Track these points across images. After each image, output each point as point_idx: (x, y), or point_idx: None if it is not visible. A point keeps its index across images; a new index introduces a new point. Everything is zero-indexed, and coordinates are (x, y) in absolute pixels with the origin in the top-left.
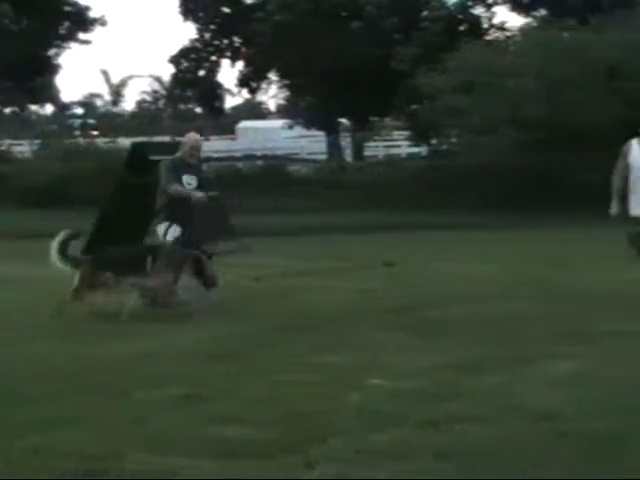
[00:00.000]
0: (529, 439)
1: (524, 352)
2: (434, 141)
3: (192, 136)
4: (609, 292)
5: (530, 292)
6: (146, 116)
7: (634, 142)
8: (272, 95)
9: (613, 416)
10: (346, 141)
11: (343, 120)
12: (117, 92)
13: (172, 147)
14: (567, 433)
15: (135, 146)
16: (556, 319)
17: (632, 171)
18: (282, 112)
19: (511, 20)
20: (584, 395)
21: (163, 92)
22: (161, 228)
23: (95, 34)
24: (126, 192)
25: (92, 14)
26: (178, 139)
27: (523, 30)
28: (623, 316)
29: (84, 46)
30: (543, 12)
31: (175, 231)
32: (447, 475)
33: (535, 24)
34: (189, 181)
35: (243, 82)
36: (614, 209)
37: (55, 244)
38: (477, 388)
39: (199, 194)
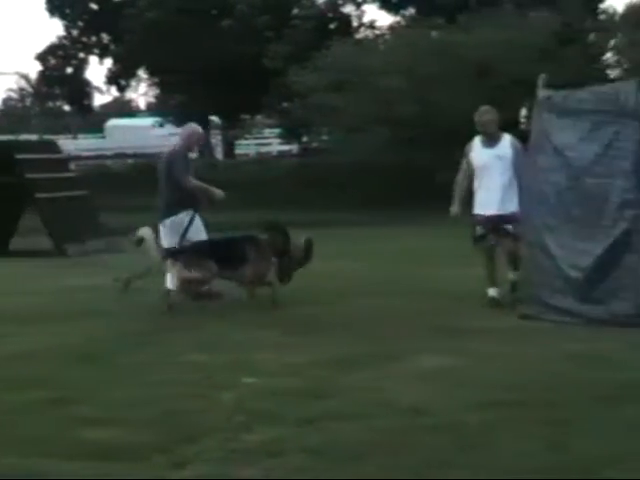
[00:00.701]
0: (401, 434)
1: (395, 348)
2: (305, 139)
3: (197, 127)
4: (475, 289)
5: (401, 288)
6: (14, 114)
7: (476, 141)
8: (142, 93)
9: (483, 409)
10: (217, 139)
11: (214, 118)
12: None
13: (39, 145)
14: (438, 427)
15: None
16: (425, 315)
17: (475, 170)
18: (152, 110)
19: (381, 19)
20: (454, 390)
21: (30, 90)
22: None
23: None
24: None
25: None
26: (47, 137)
27: (392, 29)
28: (489, 312)
29: None
30: (412, 11)
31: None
32: (319, 473)
33: (404, 23)
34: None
35: (112, 79)
36: (454, 209)
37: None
38: (350, 385)
39: (220, 192)
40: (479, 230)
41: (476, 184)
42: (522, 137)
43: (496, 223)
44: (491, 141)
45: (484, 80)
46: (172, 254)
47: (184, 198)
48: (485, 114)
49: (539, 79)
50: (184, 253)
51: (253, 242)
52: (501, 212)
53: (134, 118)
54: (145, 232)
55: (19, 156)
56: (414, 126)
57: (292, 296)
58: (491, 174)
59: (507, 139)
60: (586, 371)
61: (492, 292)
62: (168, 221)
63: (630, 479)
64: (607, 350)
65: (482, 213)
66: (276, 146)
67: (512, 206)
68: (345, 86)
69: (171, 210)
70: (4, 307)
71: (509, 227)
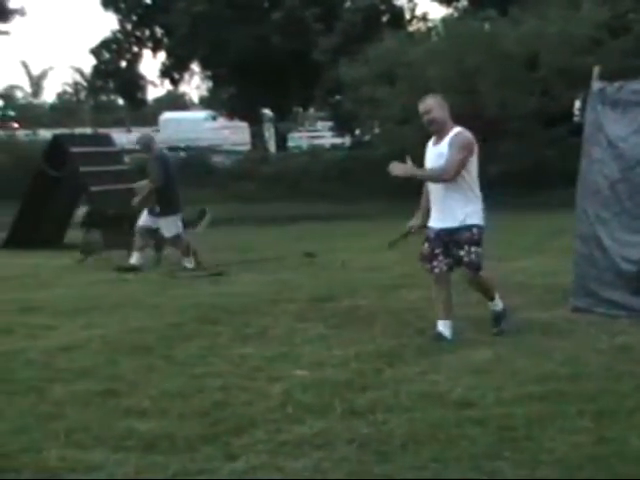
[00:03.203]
0: (448, 426)
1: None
2: (357, 132)
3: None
4: (525, 280)
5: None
6: (68, 108)
7: (430, 143)
8: (195, 86)
9: (530, 402)
10: (269, 132)
11: (266, 111)
12: (37, 84)
13: (93, 139)
14: (485, 419)
15: (55, 138)
16: (475, 307)
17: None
18: (205, 103)
19: (433, 11)
20: (502, 382)
21: (84, 83)
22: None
23: (14, 24)
24: (45, 184)
25: (11, 4)
26: (101, 130)
27: (444, 21)
28: (540, 304)
29: (3, 37)
30: (464, 3)
31: None
32: (367, 464)
33: (456, 15)
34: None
35: (165, 73)
36: (412, 221)
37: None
38: (397, 377)
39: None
40: (425, 248)
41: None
42: (577, 129)
43: (446, 241)
44: (438, 138)
45: (532, 72)
46: None
47: None
48: (422, 105)
49: (593, 71)
50: None
51: None
52: (444, 225)
53: (187, 111)
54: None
55: (73, 149)
56: (459, 117)
57: (339, 289)
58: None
59: (449, 135)
60: (636, 364)
61: (440, 326)
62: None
63: None
64: None
65: (431, 226)
66: (329, 139)
67: (452, 220)
68: (394, 78)
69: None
70: (50, 299)
71: (460, 252)
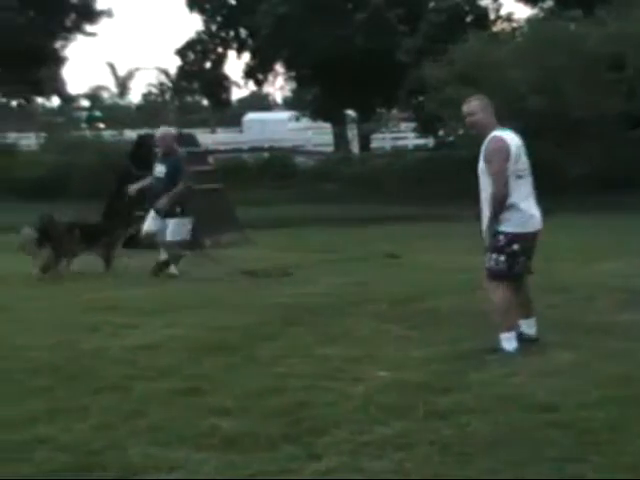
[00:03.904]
0: (529, 429)
1: (523, 343)
2: (440, 133)
3: (159, 130)
4: (602, 283)
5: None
6: (152, 108)
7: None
8: (279, 87)
9: (609, 406)
10: (353, 133)
11: (350, 112)
12: (123, 84)
13: (179, 139)
14: (565, 423)
15: (140, 138)
16: (554, 310)
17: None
18: (289, 104)
19: (518, 11)
20: (581, 386)
21: (169, 84)
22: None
23: (101, 26)
24: (130, 184)
25: (98, 6)
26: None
27: (529, 21)
28: (617, 307)
29: (90, 38)
30: (550, 3)
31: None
32: (448, 466)
33: (541, 15)
34: (159, 169)
35: (249, 74)
36: None
37: None
38: (478, 379)
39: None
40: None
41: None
42: None
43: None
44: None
45: (618, 73)
46: None
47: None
48: (466, 106)
49: None
50: None
51: None
52: (483, 229)
53: (271, 112)
54: None
55: (158, 149)
56: (543, 118)
57: (421, 290)
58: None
59: (486, 140)
60: None
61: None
62: None
63: None
64: None
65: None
66: (412, 140)
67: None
68: (478, 79)
69: None
70: (134, 298)
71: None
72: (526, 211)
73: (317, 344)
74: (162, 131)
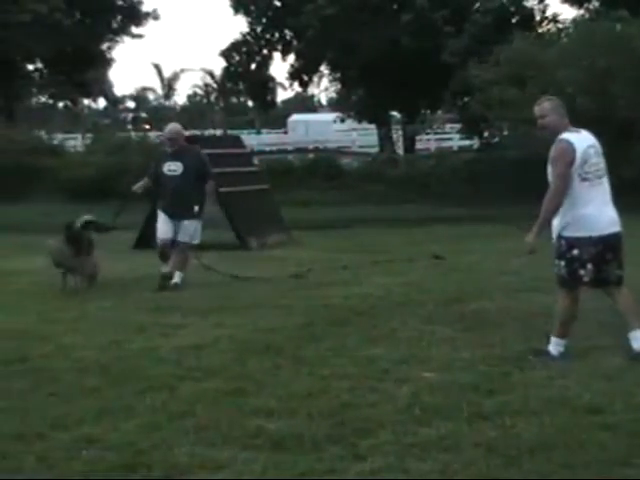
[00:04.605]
0: (576, 431)
1: (571, 344)
2: (486, 134)
3: (168, 126)
4: None
5: None
6: (197, 109)
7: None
8: (323, 88)
9: None
10: (397, 134)
11: (394, 113)
12: (169, 86)
13: (223, 140)
14: (611, 426)
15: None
16: (601, 312)
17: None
18: (333, 105)
19: (564, 12)
20: (629, 389)
21: (214, 85)
22: None
23: (147, 28)
24: None
25: (144, 8)
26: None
27: (575, 22)
28: None
29: (136, 40)
30: (596, 4)
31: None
32: (494, 468)
33: (587, 16)
34: (172, 167)
35: (294, 75)
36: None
37: None
38: (524, 381)
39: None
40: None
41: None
42: None
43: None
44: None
45: None
46: None
47: None
48: (538, 108)
49: None
50: None
51: None
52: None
53: (316, 113)
54: None
55: (204, 151)
56: (591, 119)
57: (467, 291)
58: None
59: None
60: None
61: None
62: None
63: None
64: None
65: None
66: (457, 141)
67: (554, 230)
68: (524, 80)
69: None
70: (181, 299)
71: None
72: (589, 215)
73: (362, 345)
74: (173, 127)
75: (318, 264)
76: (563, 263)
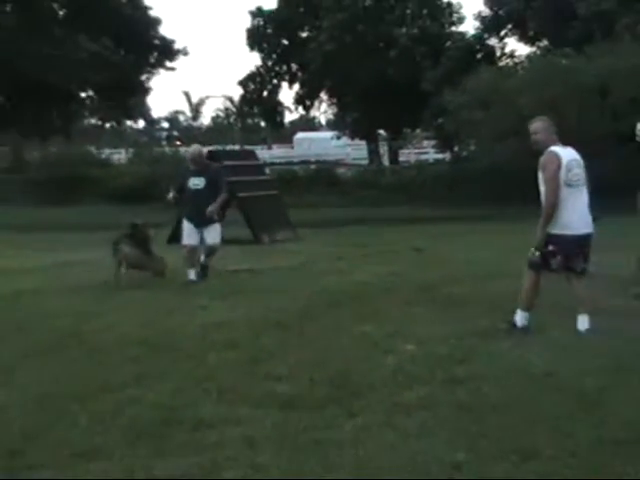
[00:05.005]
0: (534, 393)
1: (530, 320)
2: (456, 148)
3: (191, 149)
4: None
5: None
6: (220, 129)
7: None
8: (323, 111)
9: (600, 375)
10: (384, 149)
11: (381, 131)
12: (196, 109)
13: (241, 154)
14: (561, 388)
15: (210, 153)
16: (554, 295)
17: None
18: (331, 125)
19: (519, 49)
20: (576, 358)
21: (234, 109)
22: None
23: (179, 62)
24: None
25: (177, 46)
26: (247, 148)
27: (529, 57)
28: (606, 292)
29: (170, 72)
30: (545, 42)
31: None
32: (466, 423)
33: (539, 52)
34: (195, 182)
35: (299, 101)
36: None
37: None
38: (490, 352)
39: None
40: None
41: None
42: (638, 147)
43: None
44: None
45: (604, 100)
46: None
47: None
48: (532, 126)
49: None
50: None
51: None
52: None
53: (317, 132)
54: None
55: (226, 162)
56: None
57: (442, 278)
58: None
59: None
60: None
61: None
62: None
63: None
64: None
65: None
66: (432, 154)
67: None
68: (488, 104)
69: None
70: (201, 286)
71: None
72: (568, 216)
73: (356, 323)
74: (195, 150)
75: (318, 256)
76: (538, 253)
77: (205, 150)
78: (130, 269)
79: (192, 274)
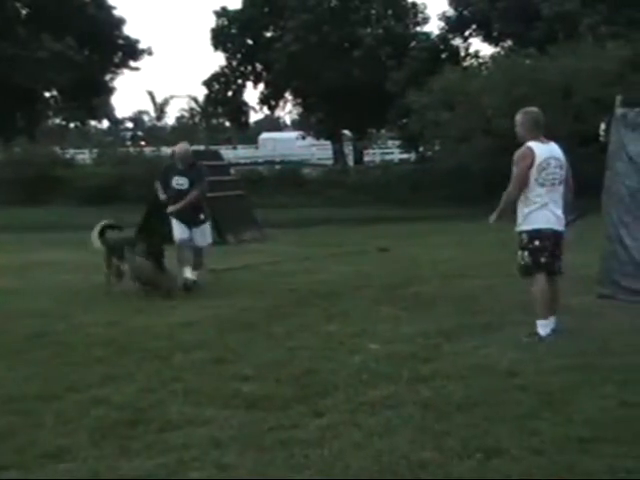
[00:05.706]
0: (498, 392)
1: (492, 321)
2: (421, 149)
3: (178, 147)
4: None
5: (495, 271)
6: (185, 129)
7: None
8: (288, 111)
9: (565, 373)
10: (348, 149)
11: (346, 131)
12: (161, 109)
13: (205, 154)
14: (528, 387)
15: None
16: (518, 294)
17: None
18: (296, 125)
19: (484, 49)
20: (541, 356)
21: (198, 109)
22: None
23: (143, 62)
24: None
25: (141, 45)
26: (211, 148)
27: (493, 57)
28: (572, 291)
29: (134, 72)
30: (509, 43)
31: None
32: (430, 421)
33: (503, 53)
34: (180, 182)
35: (264, 101)
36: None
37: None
38: (454, 351)
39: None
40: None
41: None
42: (601, 148)
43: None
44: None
45: (567, 100)
46: None
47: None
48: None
49: (616, 99)
50: None
51: None
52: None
53: (281, 132)
54: None
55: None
56: (508, 137)
57: (408, 278)
58: None
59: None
60: None
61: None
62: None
63: None
64: None
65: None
66: (397, 155)
67: (517, 224)
68: (453, 105)
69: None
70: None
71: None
72: (543, 213)
73: (322, 322)
74: (183, 147)
75: (285, 256)
76: (527, 253)
77: (169, 151)
78: (133, 281)
79: (188, 272)
